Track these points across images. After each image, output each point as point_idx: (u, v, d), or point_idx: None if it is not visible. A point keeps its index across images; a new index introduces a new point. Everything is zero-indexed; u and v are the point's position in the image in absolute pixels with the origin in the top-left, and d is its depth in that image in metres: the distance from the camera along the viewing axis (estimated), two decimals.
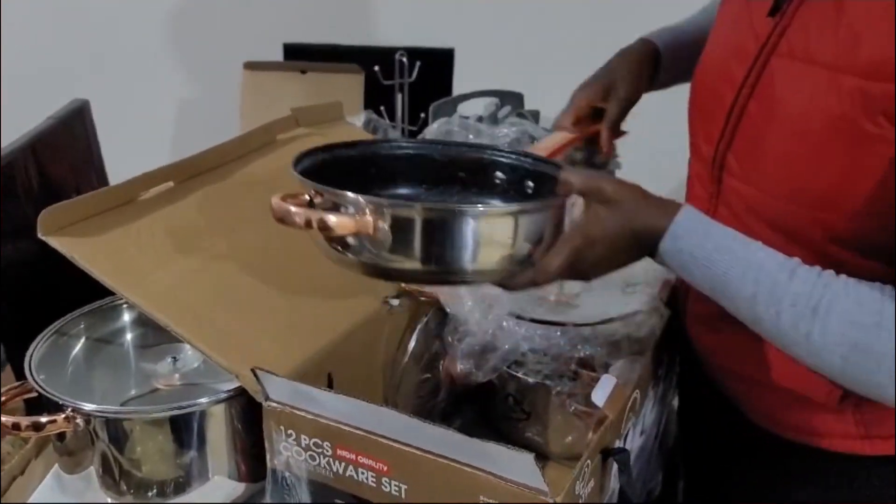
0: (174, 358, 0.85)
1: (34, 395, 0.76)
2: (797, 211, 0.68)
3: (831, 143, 0.64)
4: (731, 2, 0.78)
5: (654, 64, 0.93)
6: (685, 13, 1.00)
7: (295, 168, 0.68)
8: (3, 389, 0.76)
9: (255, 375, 0.68)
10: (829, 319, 0.60)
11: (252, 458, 0.77)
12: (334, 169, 0.72)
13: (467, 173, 0.78)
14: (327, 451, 0.67)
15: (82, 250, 0.73)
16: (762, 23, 0.70)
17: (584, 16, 1.82)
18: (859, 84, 0.61)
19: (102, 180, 1.50)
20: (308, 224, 0.62)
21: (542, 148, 0.89)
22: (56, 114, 1.35)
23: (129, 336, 0.90)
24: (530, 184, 0.76)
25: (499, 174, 0.77)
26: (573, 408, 0.81)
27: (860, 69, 0.61)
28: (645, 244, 0.66)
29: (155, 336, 0.89)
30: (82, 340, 0.87)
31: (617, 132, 0.93)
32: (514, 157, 0.78)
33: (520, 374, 0.83)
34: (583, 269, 0.67)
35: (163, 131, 2.09)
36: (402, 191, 0.77)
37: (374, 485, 0.66)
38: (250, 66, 1.61)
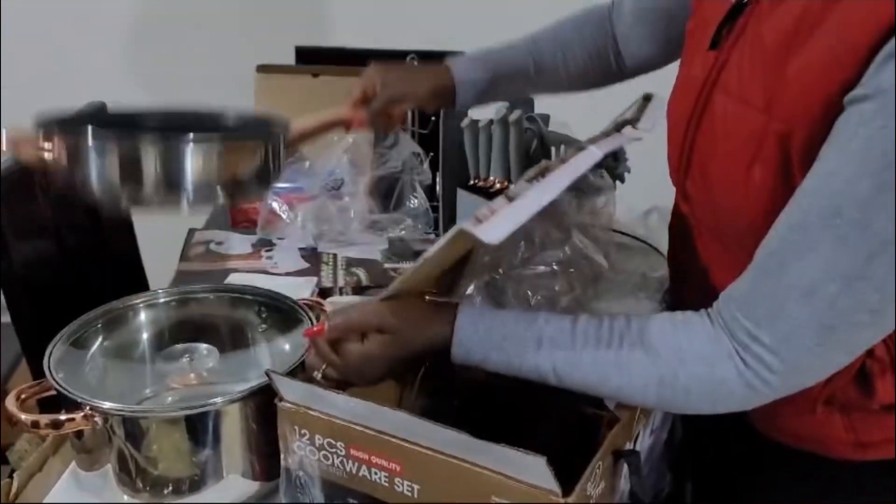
0: (190, 358, 0.86)
1: (52, 393, 0.77)
2: (744, 233, 0.67)
3: (769, 185, 0.64)
4: (693, 31, 0.78)
5: (446, 88, 0.96)
6: None
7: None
8: (22, 388, 0.77)
9: (269, 378, 0.69)
10: (631, 368, 0.64)
11: (266, 458, 0.78)
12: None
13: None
14: (341, 451, 0.68)
15: None
16: (706, 56, 0.71)
17: None
18: (783, 127, 0.61)
19: None
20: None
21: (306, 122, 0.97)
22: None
23: (145, 335, 0.91)
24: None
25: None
26: (584, 409, 0.81)
27: (783, 112, 0.61)
28: (433, 354, 0.70)
29: (171, 336, 0.90)
30: (99, 339, 0.88)
31: (375, 123, 0.97)
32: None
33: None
34: (361, 382, 0.72)
35: None
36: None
37: (386, 485, 0.67)
38: (263, 69, 1.62)
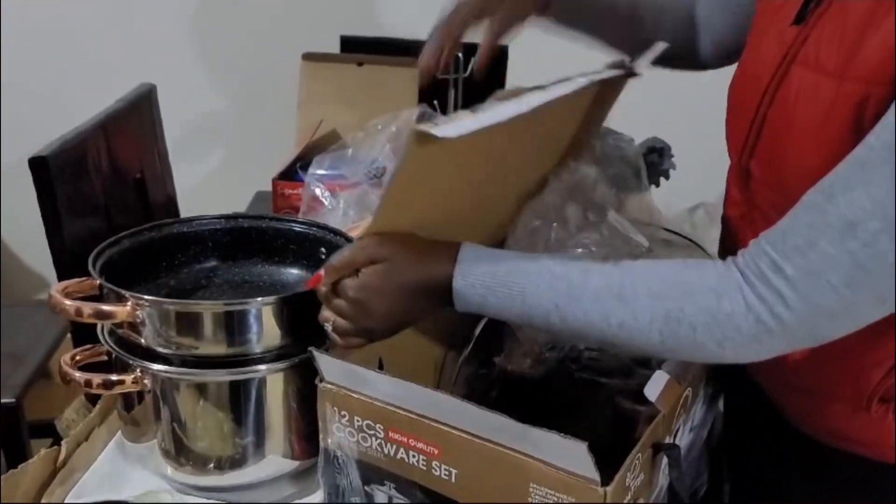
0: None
1: (103, 358, 0.80)
2: None
3: (843, 151, 0.62)
4: (763, 12, 0.77)
5: None
6: None
7: (93, 263, 0.79)
8: (76, 350, 0.80)
9: (312, 355, 0.70)
10: (636, 301, 0.61)
11: (305, 437, 0.79)
12: (143, 252, 0.86)
13: (264, 245, 0.91)
14: (379, 433, 0.69)
15: None
16: (787, 31, 0.70)
17: None
18: (861, 89, 0.61)
19: (165, 163, 1.55)
20: (78, 313, 0.74)
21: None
22: (126, 96, 1.40)
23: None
24: (323, 250, 0.88)
25: (292, 246, 0.90)
26: (623, 404, 0.81)
27: (861, 75, 0.61)
28: (435, 293, 0.68)
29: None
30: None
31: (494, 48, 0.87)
32: (305, 226, 0.91)
33: (573, 370, 0.83)
34: (371, 322, 0.69)
35: (222, 118, 2.13)
36: (207, 265, 0.90)
37: (424, 468, 0.67)
38: (308, 57, 1.64)
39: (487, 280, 0.66)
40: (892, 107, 0.57)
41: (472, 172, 0.75)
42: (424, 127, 0.59)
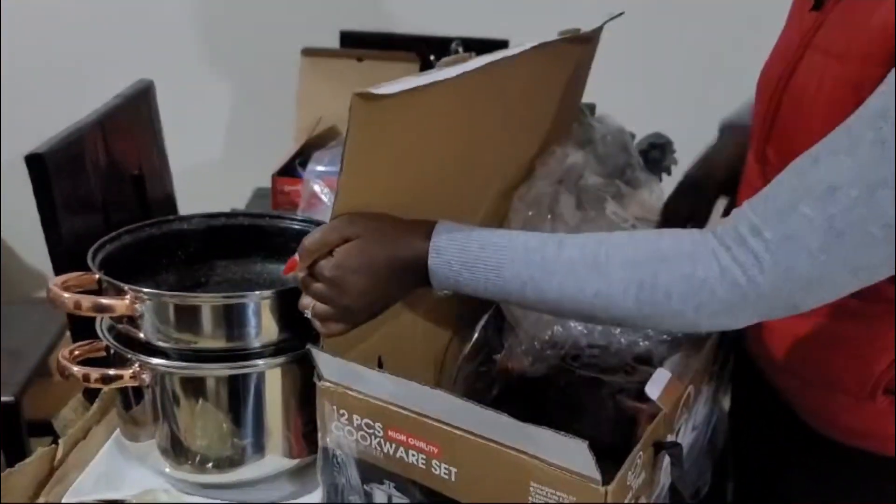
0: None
1: (101, 354, 0.79)
2: None
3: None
4: (796, 2, 0.78)
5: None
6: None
7: (93, 257, 0.79)
8: (75, 345, 0.79)
9: (310, 352, 0.69)
10: (610, 270, 0.61)
11: (304, 435, 0.79)
12: (142, 249, 0.86)
13: (263, 243, 0.90)
14: (378, 432, 0.68)
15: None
16: (807, 17, 0.71)
17: (645, 10, 1.79)
18: (859, 69, 0.61)
19: (163, 159, 1.55)
20: (77, 306, 0.74)
21: None
22: (123, 92, 1.39)
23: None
24: None
25: (291, 244, 0.86)
26: (624, 402, 0.80)
27: (861, 53, 0.61)
28: (411, 269, 0.67)
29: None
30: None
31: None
32: (304, 224, 0.89)
33: (574, 368, 0.83)
34: (348, 299, 0.67)
35: (220, 114, 2.13)
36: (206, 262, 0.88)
37: (423, 467, 0.66)
38: (308, 52, 1.63)
39: (462, 256, 0.65)
40: (890, 75, 0.57)
41: (436, 144, 0.74)
42: (365, 89, 0.59)
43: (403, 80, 0.63)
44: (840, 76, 0.64)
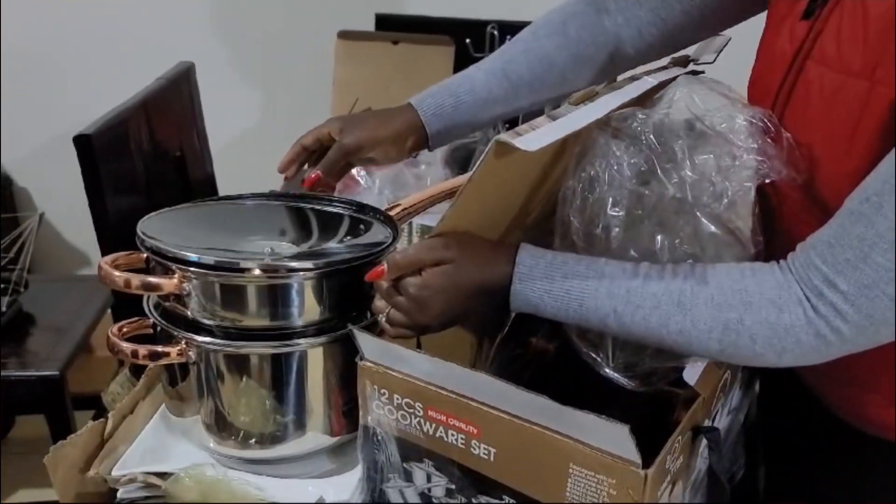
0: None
1: (148, 331, 0.81)
2: (839, 201, 0.65)
3: (877, 154, 0.61)
4: (778, 6, 0.76)
5: (414, 126, 0.90)
6: None
7: (146, 230, 0.79)
8: (123, 322, 0.81)
9: (352, 333, 0.71)
10: (696, 310, 0.62)
11: (345, 412, 0.81)
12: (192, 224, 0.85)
13: (302, 223, 0.89)
14: (418, 411, 0.69)
15: None
16: (798, 26, 0.69)
17: None
18: (892, 93, 0.59)
19: (203, 141, 1.57)
20: (127, 285, 0.75)
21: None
22: (165, 74, 1.41)
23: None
24: (362, 227, 0.86)
25: (330, 224, 0.88)
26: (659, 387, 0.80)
27: (865, 67, 0.60)
28: (493, 294, 0.68)
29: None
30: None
31: (329, 180, 0.91)
32: (343, 206, 0.90)
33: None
34: (426, 319, 0.70)
35: (257, 96, 2.14)
36: (262, 243, 0.84)
37: (463, 447, 0.68)
38: (344, 35, 1.64)
39: (545, 284, 0.66)
40: None
41: (527, 174, 0.75)
42: (506, 137, 0.59)
43: (542, 128, 0.62)
44: (871, 97, 0.62)
